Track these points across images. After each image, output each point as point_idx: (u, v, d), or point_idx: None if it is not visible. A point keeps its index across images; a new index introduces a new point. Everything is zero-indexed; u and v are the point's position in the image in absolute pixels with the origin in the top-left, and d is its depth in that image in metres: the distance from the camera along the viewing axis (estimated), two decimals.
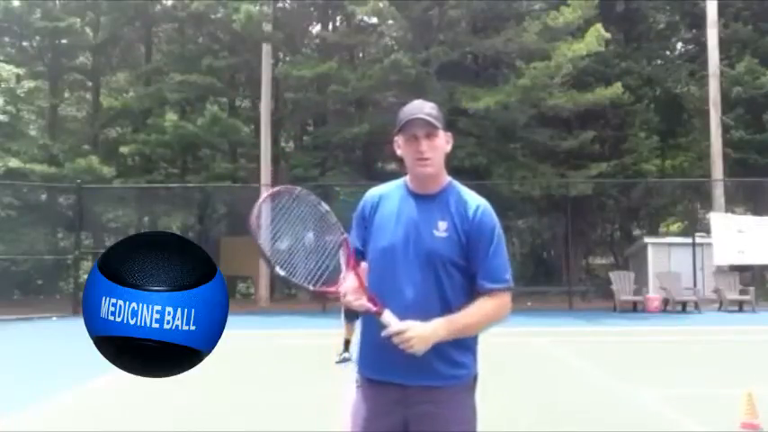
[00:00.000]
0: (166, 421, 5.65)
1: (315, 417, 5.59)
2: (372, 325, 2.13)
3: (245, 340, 11.89)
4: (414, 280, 2.12)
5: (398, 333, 2.01)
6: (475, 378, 2.23)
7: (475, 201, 2.20)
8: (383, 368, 2.15)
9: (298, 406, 6.14)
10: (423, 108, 2.19)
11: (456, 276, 2.14)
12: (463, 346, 2.17)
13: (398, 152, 2.24)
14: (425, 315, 2.05)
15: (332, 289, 2.11)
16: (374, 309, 2.05)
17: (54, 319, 15.91)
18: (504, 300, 2.17)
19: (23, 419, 5.71)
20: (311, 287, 2.12)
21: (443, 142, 2.21)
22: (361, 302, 2.05)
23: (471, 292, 2.14)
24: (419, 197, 2.20)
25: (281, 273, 2.08)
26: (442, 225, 2.14)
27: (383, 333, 2.04)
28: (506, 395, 6.61)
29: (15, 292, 21.23)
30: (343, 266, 2.12)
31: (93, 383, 7.32)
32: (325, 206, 2.18)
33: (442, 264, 2.12)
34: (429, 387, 2.11)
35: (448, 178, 2.25)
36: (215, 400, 6.44)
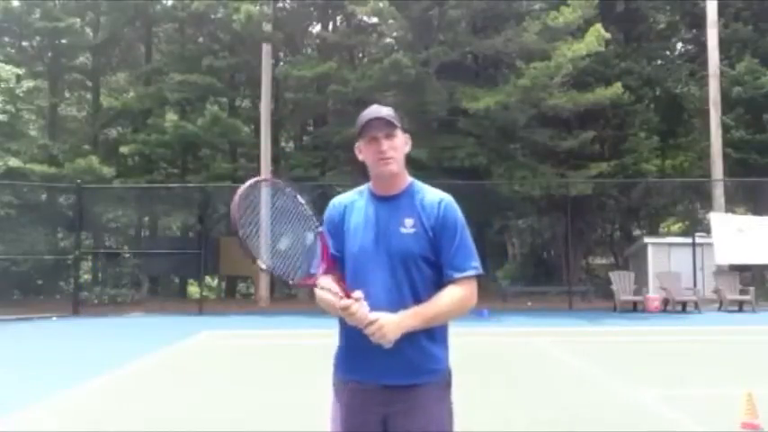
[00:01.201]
0: (166, 421, 5.64)
1: (314, 417, 5.58)
2: (347, 328, 2.17)
3: (245, 340, 11.91)
4: (386, 279, 2.16)
5: (371, 323, 2.05)
6: (449, 373, 2.25)
7: (438, 196, 2.25)
8: (359, 369, 2.20)
9: (298, 406, 6.14)
10: (380, 110, 2.25)
11: (426, 271, 2.19)
12: (435, 339, 2.20)
13: (360, 157, 2.30)
14: (400, 311, 2.12)
15: (310, 281, 2.16)
16: (342, 294, 2.07)
17: (54, 319, 15.91)
18: (471, 286, 2.22)
19: (23, 419, 5.71)
20: (291, 280, 2.19)
21: (402, 142, 2.27)
22: (335, 290, 2.09)
23: (438, 273, 2.21)
24: (384, 199, 2.25)
25: (263, 266, 2.13)
26: (409, 222, 2.20)
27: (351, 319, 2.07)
28: (506, 395, 6.61)
29: (15, 292, 21.21)
30: (319, 258, 2.18)
31: (92, 383, 7.32)
32: (301, 199, 2.24)
33: (413, 259, 2.18)
34: (404, 386, 2.15)
35: (410, 178, 2.30)
36: (215, 400, 6.44)
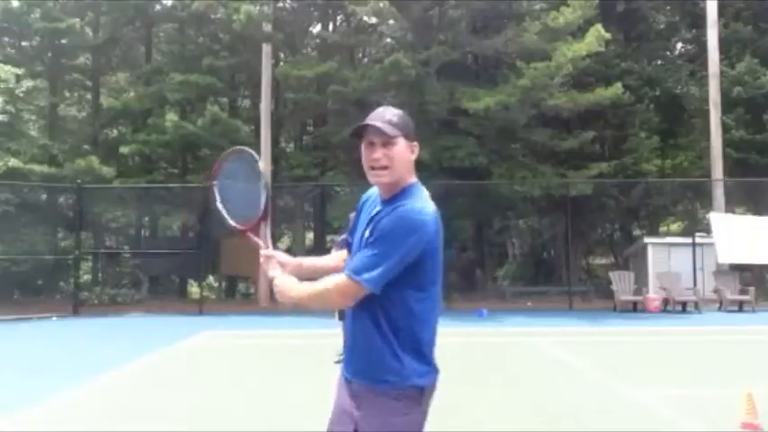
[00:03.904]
0: (166, 421, 5.65)
1: (315, 417, 5.59)
2: (345, 325, 2.28)
3: (245, 340, 11.91)
4: None
5: (271, 278, 2.31)
6: (414, 388, 2.11)
7: (400, 203, 2.11)
8: (343, 364, 2.28)
9: (298, 406, 6.15)
10: (383, 115, 2.15)
11: None
12: (402, 349, 2.10)
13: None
14: (368, 318, 2.13)
15: (244, 228, 2.49)
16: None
17: (54, 319, 15.91)
18: (343, 285, 2.09)
19: (23, 419, 5.71)
20: (233, 223, 2.54)
21: (404, 150, 2.15)
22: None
23: (400, 290, 2.09)
24: (382, 202, 2.20)
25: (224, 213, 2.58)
26: (370, 226, 2.15)
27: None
28: (506, 395, 6.61)
29: (15, 292, 21.21)
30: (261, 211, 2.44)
31: (92, 383, 7.32)
32: (256, 156, 2.53)
33: None
34: (362, 384, 2.16)
35: (409, 183, 2.18)
36: (215, 400, 6.44)
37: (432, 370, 2.17)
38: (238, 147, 2.63)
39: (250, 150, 2.55)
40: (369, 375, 2.13)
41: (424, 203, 2.13)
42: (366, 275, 2.05)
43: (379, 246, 2.06)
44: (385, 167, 2.13)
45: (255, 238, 2.43)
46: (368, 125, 2.13)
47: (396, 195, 2.16)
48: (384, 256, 2.04)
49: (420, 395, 2.13)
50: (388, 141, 2.12)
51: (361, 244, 2.16)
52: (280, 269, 2.31)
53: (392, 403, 2.09)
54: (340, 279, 2.11)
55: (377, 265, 2.04)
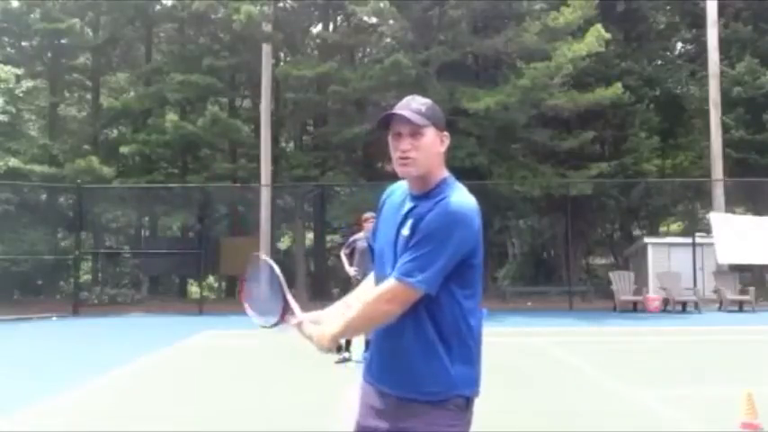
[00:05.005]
0: (166, 421, 5.64)
1: (315, 417, 5.58)
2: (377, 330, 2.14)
3: (245, 340, 11.91)
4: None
5: (309, 339, 2.11)
6: (462, 398, 1.99)
7: (441, 197, 1.99)
8: (368, 369, 2.14)
9: (298, 406, 6.14)
10: (410, 104, 2.06)
11: None
12: (432, 354, 1.97)
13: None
14: (411, 322, 1.97)
15: (280, 321, 2.27)
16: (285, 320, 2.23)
17: (54, 319, 15.92)
18: (391, 291, 1.94)
19: (23, 419, 5.71)
20: (267, 326, 2.34)
21: (434, 141, 2.03)
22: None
23: (448, 288, 1.97)
24: (413, 197, 2.07)
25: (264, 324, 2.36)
26: (409, 223, 2.01)
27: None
28: (505, 395, 6.61)
29: (15, 292, 21.22)
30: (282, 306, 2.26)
31: (92, 383, 7.32)
32: (271, 262, 2.37)
33: None
34: (396, 396, 2.01)
35: (442, 177, 2.07)
36: (215, 400, 6.44)
37: (478, 377, 2.05)
38: (251, 257, 2.47)
39: (260, 256, 2.44)
40: (410, 386, 1.97)
41: (467, 197, 2.02)
42: (419, 277, 1.90)
43: (427, 244, 1.92)
44: (412, 159, 2.01)
45: (290, 323, 2.24)
46: (394, 114, 2.03)
47: (432, 190, 2.04)
48: (435, 254, 1.91)
49: (466, 405, 2.02)
50: (416, 131, 2.01)
51: (397, 243, 2.01)
52: (313, 327, 2.14)
53: (436, 413, 1.95)
54: (387, 286, 1.95)
55: (429, 264, 1.91)
